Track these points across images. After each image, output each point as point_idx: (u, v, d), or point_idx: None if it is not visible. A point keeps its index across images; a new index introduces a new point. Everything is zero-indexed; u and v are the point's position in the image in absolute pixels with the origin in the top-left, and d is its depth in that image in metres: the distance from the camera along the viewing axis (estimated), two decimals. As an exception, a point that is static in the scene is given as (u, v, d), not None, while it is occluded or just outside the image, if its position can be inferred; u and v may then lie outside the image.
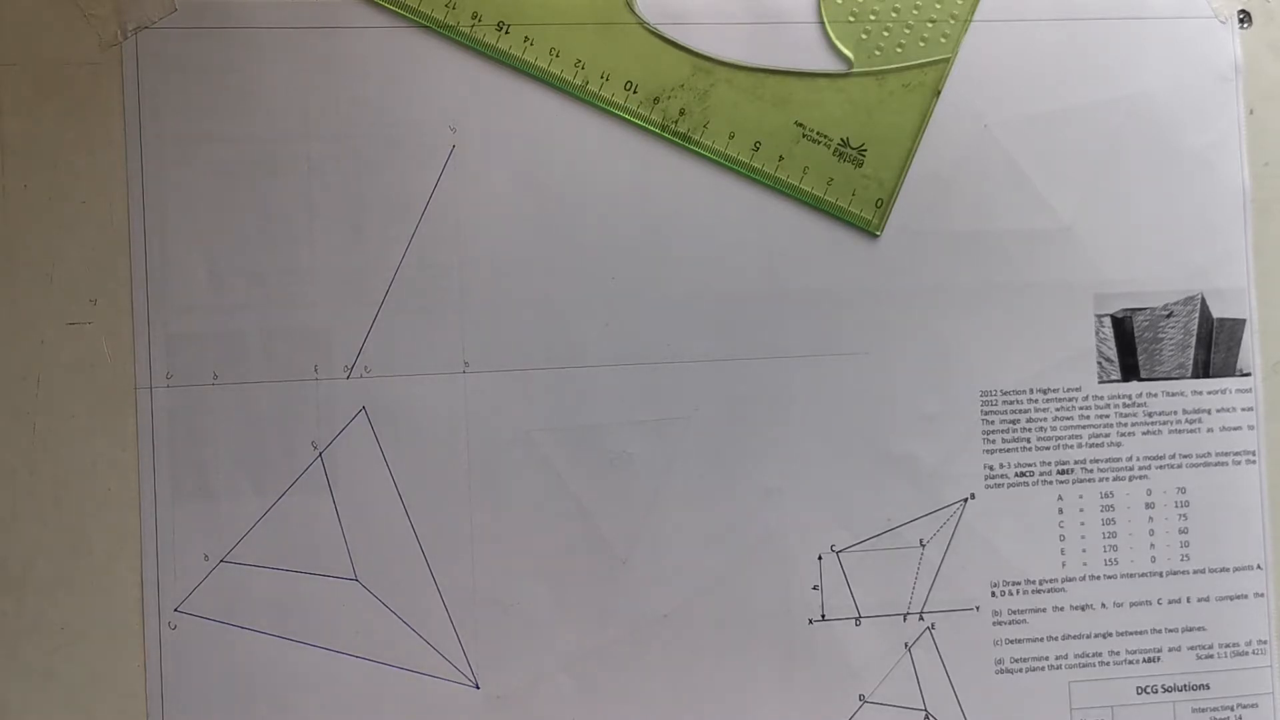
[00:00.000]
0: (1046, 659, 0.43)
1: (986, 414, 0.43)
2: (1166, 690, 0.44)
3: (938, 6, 0.43)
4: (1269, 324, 0.45)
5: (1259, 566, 0.44)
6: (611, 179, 0.42)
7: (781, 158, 0.42)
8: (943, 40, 0.43)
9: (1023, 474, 0.44)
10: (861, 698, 0.42)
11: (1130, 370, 0.44)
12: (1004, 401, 0.43)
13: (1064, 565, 0.44)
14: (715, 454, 0.42)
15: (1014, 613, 0.43)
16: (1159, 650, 0.44)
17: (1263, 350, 0.45)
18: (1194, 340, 0.44)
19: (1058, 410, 0.44)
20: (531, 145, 0.42)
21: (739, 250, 0.42)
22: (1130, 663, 0.44)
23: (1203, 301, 0.44)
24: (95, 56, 0.40)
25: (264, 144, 0.40)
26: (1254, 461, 0.45)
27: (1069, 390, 0.44)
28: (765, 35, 0.43)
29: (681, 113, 0.42)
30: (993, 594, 0.43)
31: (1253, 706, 0.44)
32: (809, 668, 0.42)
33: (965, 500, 0.43)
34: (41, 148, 0.40)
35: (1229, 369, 0.45)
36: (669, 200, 0.42)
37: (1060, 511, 0.44)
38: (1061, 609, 0.44)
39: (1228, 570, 0.44)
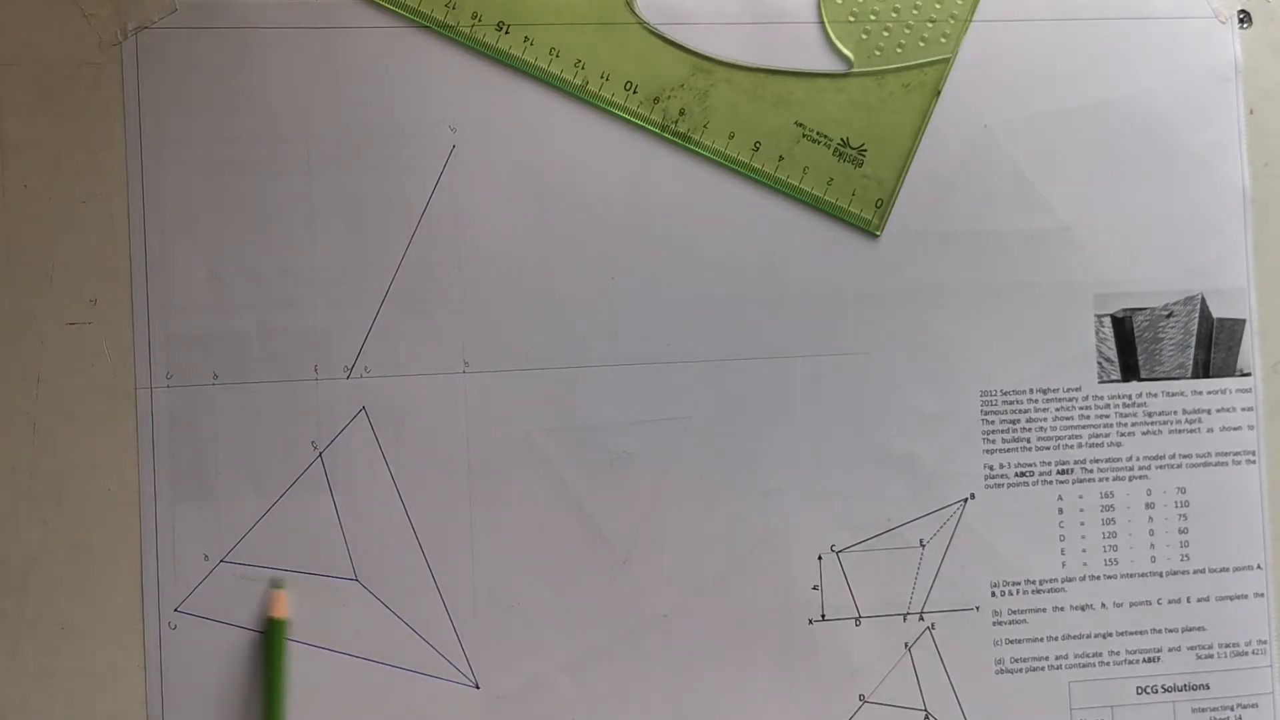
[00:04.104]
0: (1046, 659, 0.43)
1: (986, 414, 0.43)
2: (1166, 690, 0.44)
3: (938, 6, 0.43)
4: (1269, 324, 0.45)
5: (1259, 566, 0.44)
6: (611, 179, 0.42)
7: (781, 158, 0.42)
8: (943, 40, 0.43)
9: (1023, 474, 0.44)
10: (861, 698, 0.42)
11: (1130, 370, 0.44)
12: (1004, 401, 0.43)
13: (1064, 565, 0.44)
14: (715, 454, 0.42)
15: (1014, 613, 0.43)
16: (1159, 650, 0.44)
17: (1263, 350, 0.45)
18: (1194, 340, 0.44)
19: (1058, 410, 0.44)
20: (531, 145, 0.42)
21: (739, 250, 0.42)
22: (1130, 663, 0.44)
23: (1203, 301, 0.44)
24: (95, 56, 0.40)
25: (264, 144, 0.40)
26: (1254, 461, 0.45)
27: (1069, 390, 0.44)
28: (765, 35, 0.43)
29: (681, 113, 0.42)
30: (993, 594, 0.43)
31: (1253, 706, 0.44)
32: (809, 668, 0.42)
33: (965, 500, 0.43)
34: (41, 148, 0.40)
35: (1229, 369, 0.45)
36: (669, 200, 0.42)
37: (1060, 511, 0.44)
38: (1061, 609, 0.44)
39: (1228, 570, 0.44)
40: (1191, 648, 0.44)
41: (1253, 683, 0.44)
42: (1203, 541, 0.44)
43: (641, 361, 0.42)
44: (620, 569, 0.42)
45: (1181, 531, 0.44)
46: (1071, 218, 0.44)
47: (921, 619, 0.43)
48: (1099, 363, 0.44)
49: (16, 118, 0.40)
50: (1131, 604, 0.44)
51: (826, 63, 0.43)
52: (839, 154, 0.43)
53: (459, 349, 0.41)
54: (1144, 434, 0.44)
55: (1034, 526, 0.44)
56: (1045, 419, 0.44)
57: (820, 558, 0.43)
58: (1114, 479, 0.44)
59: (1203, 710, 0.44)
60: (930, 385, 0.43)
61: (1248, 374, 0.45)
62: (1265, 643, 0.44)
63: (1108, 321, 0.44)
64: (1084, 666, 0.43)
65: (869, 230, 0.43)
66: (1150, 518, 0.44)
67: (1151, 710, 0.44)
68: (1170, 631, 0.44)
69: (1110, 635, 0.44)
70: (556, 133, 0.42)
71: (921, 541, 0.43)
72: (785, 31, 0.43)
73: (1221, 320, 0.45)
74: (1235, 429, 0.45)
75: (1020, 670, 0.43)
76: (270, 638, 0.39)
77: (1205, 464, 0.44)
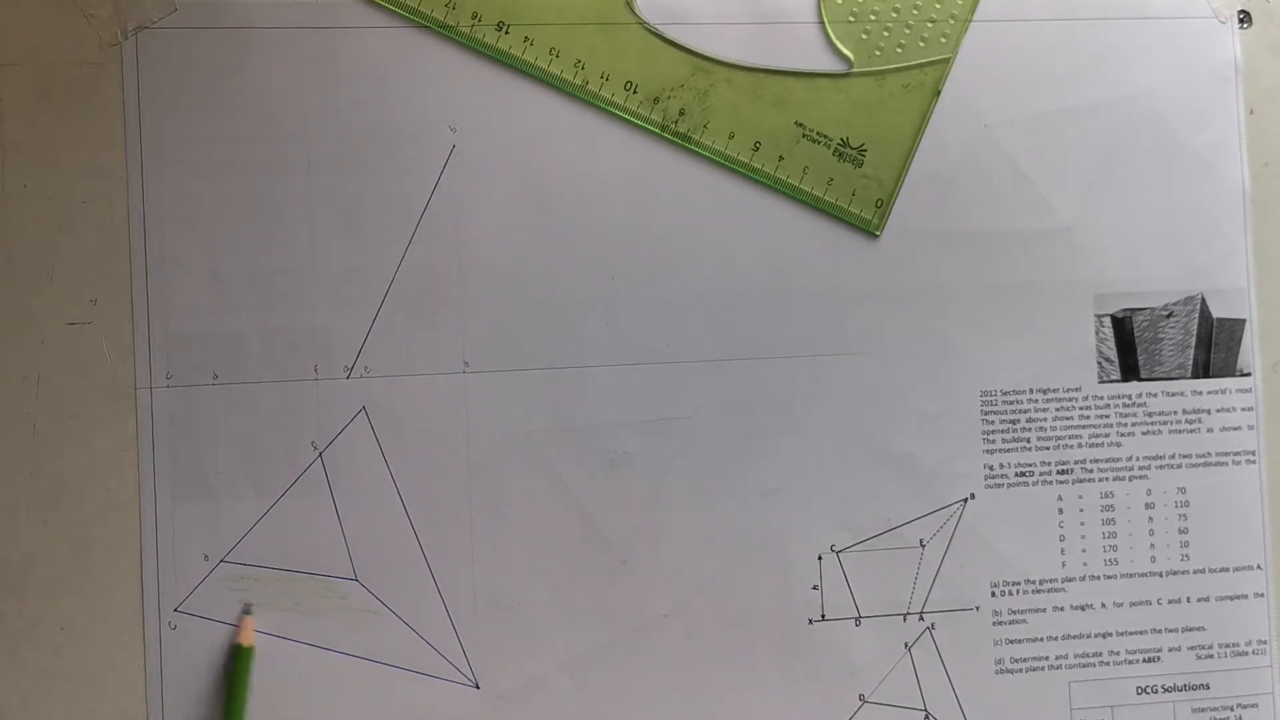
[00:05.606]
0: (1046, 659, 0.43)
1: (986, 414, 0.43)
2: (1166, 690, 0.44)
3: (938, 6, 0.43)
4: (1269, 324, 0.45)
5: (1259, 566, 0.44)
6: (611, 179, 0.42)
7: (781, 158, 0.42)
8: (943, 40, 0.43)
9: (1023, 474, 0.44)
10: (861, 698, 0.42)
11: (1130, 370, 0.44)
12: (1004, 401, 0.43)
13: (1064, 565, 0.44)
14: (715, 454, 0.42)
15: (1014, 613, 0.43)
16: (1159, 650, 0.44)
17: (1263, 350, 0.45)
18: (1194, 340, 0.44)
19: (1058, 410, 0.44)
20: (531, 145, 0.42)
21: (739, 250, 0.42)
22: (1130, 663, 0.44)
23: (1203, 301, 0.44)
24: (95, 56, 0.40)
25: (264, 144, 0.40)
26: (1254, 461, 0.45)
27: (1069, 390, 0.44)
28: (765, 35, 0.43)
29: (681, 113, 0.42)
30: (993, 594, 0.43)
31: (1253, 706, 0.44)
32: (809, 668, 0.42)
33: (965, 500, 0.43)
34: (41, 148, 0.40)
35: (1229, 369, 0.45)
36: (669, 200, 0.42)
37: (1060, 511, 0.44)
38: (1061, 609, 0.44)
39: (1228, 570, 0.44)
40: (1191, 648, 0.44)
41: (1253, 683, 0.44)
42: (1203, 541, 0.44)
43: (641, 361, 0.42)
44: (620, 569, 0.42)
45: (1181, 531, 0.44)
46: (1071, 218, 0.44)
47: (921, 619, 0.43)
48: (1099, 363, 0.44)
49: (16, 118, 0.40)
50: (1131, 604, 0.44)
51: (826, 63, 0.43)
52: (839, 154, 0.43)
53: (459, 349, 0.41)
54: (1144, 434, 0.44)
55: (1034, 526, 0.44)
56: (1045, 419, 0.44)
57: (820, 558, 0.43)
58: (1114, 479, 0.44)
59: (1203, 710, 0.44)
60: (930, 385, 0.43)
61: (1248, 374, 0.45)
62: (1265, 643, 0.44)
63: (1108, 321, 0.44)
64: (1084, 666, 0.43)
65: (869, 230, 0.43)
66: (1150, 518, 0.44)
67: (1151, 710, 0.44)
68: (1170, 631, 0.44)
69: (1110, 635, 0.44)
70: (556, 133, 0.42)
71: (921, 541, 0.43)
72: (785, 31, 0.43)
73: (1221, 320, 0.45)
74: (1235, 429, 0.45)
75: (1020, 670, 0.43)
76: (236, 664, 0.39)
77: (1205, 464, 0.44)
